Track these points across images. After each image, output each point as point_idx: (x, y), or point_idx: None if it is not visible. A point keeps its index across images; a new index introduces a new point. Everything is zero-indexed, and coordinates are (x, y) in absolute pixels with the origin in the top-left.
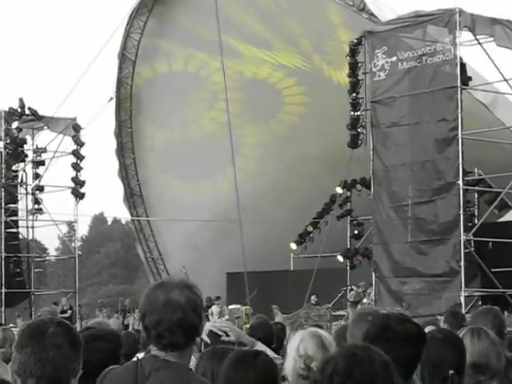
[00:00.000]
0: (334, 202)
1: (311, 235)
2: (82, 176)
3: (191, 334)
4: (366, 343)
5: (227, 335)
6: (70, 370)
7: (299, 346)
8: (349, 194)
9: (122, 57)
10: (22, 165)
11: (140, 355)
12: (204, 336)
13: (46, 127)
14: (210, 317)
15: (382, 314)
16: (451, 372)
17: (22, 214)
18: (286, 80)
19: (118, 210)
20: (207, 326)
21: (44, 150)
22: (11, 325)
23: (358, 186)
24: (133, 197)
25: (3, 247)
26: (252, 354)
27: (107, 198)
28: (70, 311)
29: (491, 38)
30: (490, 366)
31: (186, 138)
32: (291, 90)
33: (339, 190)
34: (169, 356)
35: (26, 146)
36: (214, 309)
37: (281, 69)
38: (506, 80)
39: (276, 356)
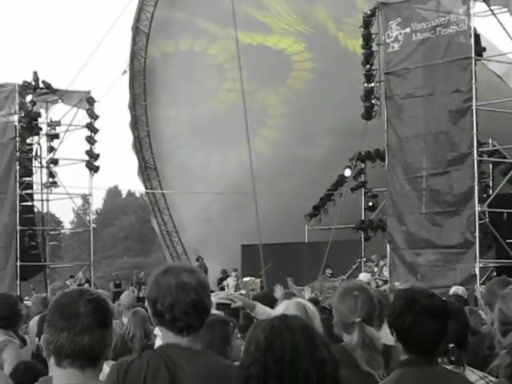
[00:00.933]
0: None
1: (325, 207)
2: (97, 149)
3: (204, 315)
4: (392, 317)
5: (234, 302)
6: (104, 347)
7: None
8: (363, 165)
9: (136, 29)
10: (36, 138)
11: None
12: (213, 310)
13: (60, 100)
14: (225, 288)
15: (407, 288)
16: (451, 345)
17: (36, 187)
18: (295, 46)
19: (132, 183)
20: (213, 300)
21: (58, 124)
22: (26, 297)
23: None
24: (147, 170)
25: (18, 220)
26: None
27: (121, 171)
28: (86, 284)
29: (505, 9)
30: None
31: (200, 111)
32: (300, 56)
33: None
34: (187, 342)
35: (40, 120)
36: (230, 281)
37: (290, 35)
38: None
39: (276, 312)
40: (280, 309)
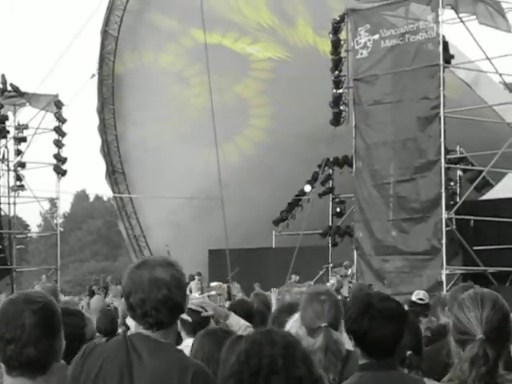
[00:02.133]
0: (315, 179)
1: (293, 213)
2: (64, 153)
3: (176, 311)
4: (349, 323)
5: (206, 310)
6: (52, 354)
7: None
8: (331, 171)
9: (105, 33)
10: (3, 141)
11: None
12: (183, 315)
13: (27, 104)
14: (188, 293)
15: (364, 293)
16: (409, 352)
17: (3, 190)
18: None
19: (100, 187)
20: None
21: (26, 127)
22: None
23: None
24: (115, 174)
25: None
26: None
27: (89, 175)
28: None
29: (474, 16)
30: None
31: (168, 116)
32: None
33: (307, 189)
34: (157, 335)
35: (7, 123)
36: (193, 285)
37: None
38: (488, 58)
39: (248, 324)
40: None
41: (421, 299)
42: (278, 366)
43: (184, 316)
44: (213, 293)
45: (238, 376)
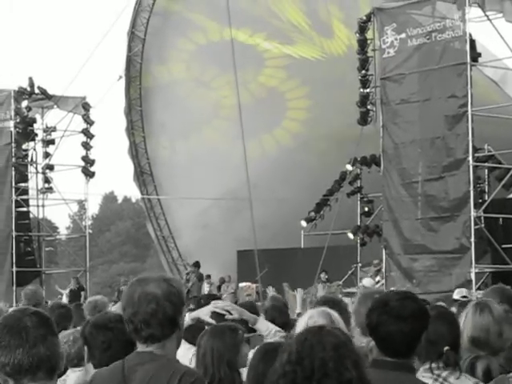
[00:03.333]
0: (343, 179)
1: (321, 212)
2: (92, 155)
3: (167, 325)
4: (367, 319)
5: (230, 314)
6: (58, 356)
7: (308, 323)
8: (359, 171)
9: (132, 35)
10: (32, 144)
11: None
12: (207, 318)
13: (55, 106)
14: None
15: (389, 290)
16: (446, 348)
17: (32, 193)
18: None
19: (128, 189)
20: (209, 309)
21: (54, 129)
22: (20, 304)
23: None
24: (143, 175)
25: (14, 226)
26: (278, 345)
27: (117, 177)
28: (82, 292)
29: (501, 14)
30: (489, 342)
31: (196, 117)
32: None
33: (349, 167)
34: (153, 348)
35: (35, 125)
36: (204, 286)
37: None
38: None
39: (278, 329)
40: (304, 318)
41: (464, 296)
42: (329, 369)
43: (209, 319)
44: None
45: (291, 376)
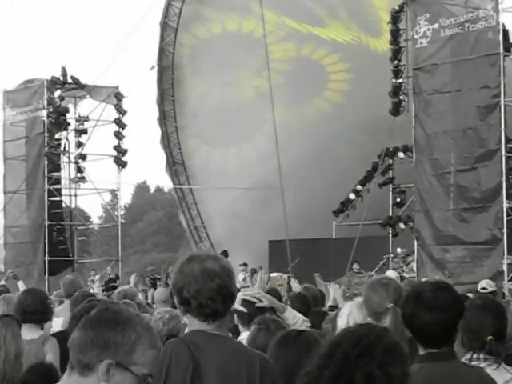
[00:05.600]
0: (375, 169)
1: (353, 203)
2: (125, 144)
3: (229, 300)
4: (400, 307)
5: (260, 301)
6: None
7: (349, 320)
8: (391, 161)
9: (164, 25)
10: (64, 133)
11: None
12: (237, 306)
13: (88, 96)
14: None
15: (425, 280)
16: (489, 337)
17: (64, 182)
18: (330, 56)
19: (160, 179)
20: (239, 296)
21: (86, 119)
22: (54, 293)
23: None
24: (175, 165)
25: (46, 215)
26: (295, 333)
27: (150, 167)
28: (118, 281)
29: None
30: None
31: (228, 105)
32: (336, 66)
33: (352, 197)
34: (213, 328)
35: (68, 115)
36: (240, 276)
37: (324, 44)
38: None
39: (305, 318)
40: (345, 312)
41: (484, 288)
42: (376, 353)
43: (239, 307)
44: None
45: (337, 342)
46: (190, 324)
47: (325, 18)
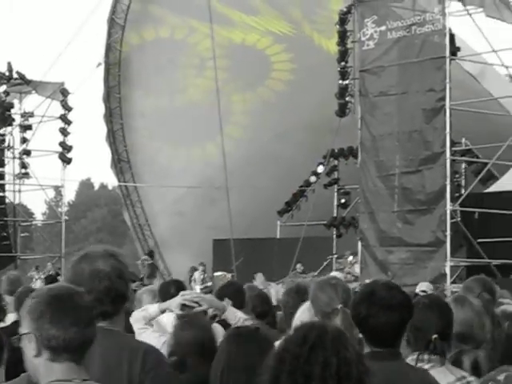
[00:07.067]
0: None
1: (298, 203)
2: (70, 141)
3: (119, 301)
4: (352, 307)
5: (199, 305)
6: None
7: (299, 319)
8: (336, 162)
9: (111, 22)
10: (9, 129)
11: None
12: (176, 310)
13: (33, 91)
14: (192, 283)
15: (373, 280)
16: (434, 336)
17: (8, 178)
18: (274, 46)
19: (105, 176)
20: (178, 301)
21: (31, 115)
22: None
23: None
24: (120, 162)
25: None
26: (252, 329)
27: (94, 164)
28: (59, 277)
29: (481, 9)
30: (473, 335)
31: (175, 105)
32: (280, 56)
33: (320, 170)
34: (103, 324)
35: (13, 110)
36: (197, 275)
37: (269, 35)
38: (494, 51)
39: (246, 317)
40: (298, 313)
41: (423, 291)
42: (326, 343)
43: (179, 312)
44: (209, 283)
45: (284, 341)
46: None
47: (259, 7)
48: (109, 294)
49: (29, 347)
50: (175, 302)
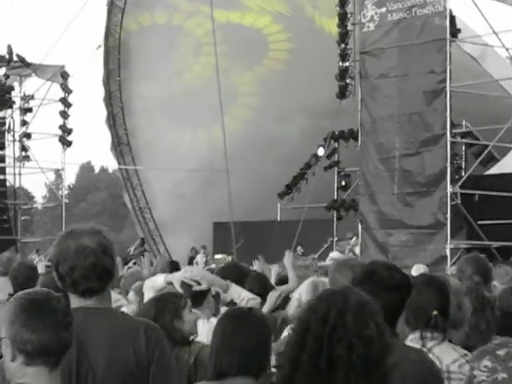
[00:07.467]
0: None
1: (298, 186)
2: (70, 124)
3: (105, 277)
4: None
5: (199, 284)
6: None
7: (300, 302)
8: (336, 145)
9: (111, 4)
10: (9, 111)
11: None
12: (177, 286)
13: (33, 74)
14: (194, 266)
15: (372, 260)
16: (435, 312)
17: (9, 161)
18: (271, 26)
19: (105, 159)
20: (178, 277)
21: (32, 97)
22: None
23: None
24: (120, 145)
25: None
26: (246, 310)
27: (95, 147)
28: None
29: None
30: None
31: (175, 88)
32: (277, 36)
33: (320, 152)
34: (91, 303)
35: (13, 93)
36: (199, 258)
37: (267, 15)
38: (495, 33)
39: (252, 296)
40: (295, 295)
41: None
42: (347, 322)
43: (178, 288)
44: (213, 266)
45: (305, 323)
46: (71, 300)
47: None
48: (95, 270)
49: (6, 352)
50: (177, 277)
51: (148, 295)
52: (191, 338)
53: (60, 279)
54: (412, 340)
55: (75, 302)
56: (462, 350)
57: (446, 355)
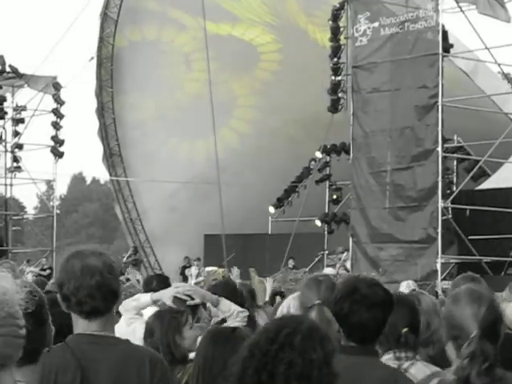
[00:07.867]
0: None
1: (290, 199)
2: (62, 135)
3: (111, 297)
4: (333, 304)
5: (192, 298)
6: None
7: (285, 306)
8: (328, 158)
9: (104, 16)
10: (1, 122)
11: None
12: (169, 302)
13: (26, 85)
14: (189, 278)
15: (354, 276)
16: (405, 330)
17: (0, 171)
18: (262, 37)
19: (97, 170)
20: (171, 293)
21: (24, 108)
22: None
23: None
24: (112, 157)
25: None
26: (229, 330)
27: (86, 158)
28: (48, 271)
29: (474, 6)
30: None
31: (167, 100)
32: (268, 47)
33: (318, 155)
34: (98, 327)
35: (5, 104)
36: (193, 270)
37: (257, 25)
38: (487, 48)
39: (241, 309)
40: (284, 307)
41: (414, 290)
42: (295, 342)
43: (171, 304)
44: (201, 278)
45: (257, 338)
46: (75, 322)
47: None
48: (100, 290)
49: None
50: (168, 294)
51: (127, 316)
52: (190, 355)
53: (64, 300)
54: (387, 361)
55: (79, 325)
56: (433, 367)
57: (420, 372)
